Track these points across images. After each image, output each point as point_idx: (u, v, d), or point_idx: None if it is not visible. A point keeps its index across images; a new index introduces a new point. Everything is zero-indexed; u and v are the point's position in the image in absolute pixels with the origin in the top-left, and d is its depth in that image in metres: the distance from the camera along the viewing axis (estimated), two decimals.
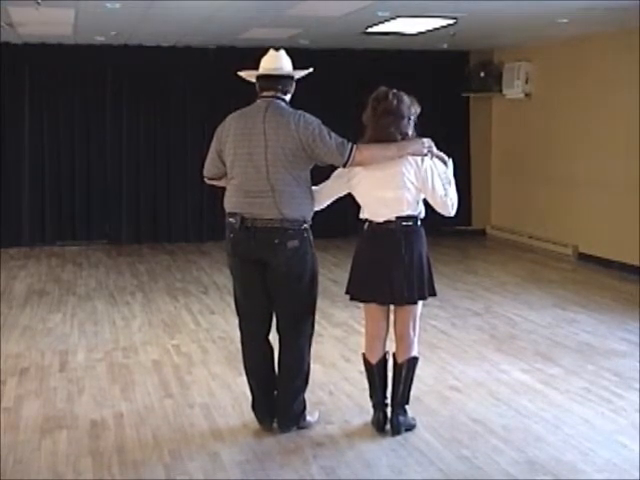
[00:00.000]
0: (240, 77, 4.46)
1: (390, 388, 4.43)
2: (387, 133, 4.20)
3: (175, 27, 8.76)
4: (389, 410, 4.41)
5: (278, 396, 4.40)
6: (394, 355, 4.43)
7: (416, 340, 4.43)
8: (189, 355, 5.89)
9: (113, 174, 10.75)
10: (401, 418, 4.36)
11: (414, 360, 4.42)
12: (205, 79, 10.77)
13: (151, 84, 10.69)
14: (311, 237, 4.31)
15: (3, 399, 4.94)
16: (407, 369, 4.37)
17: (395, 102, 4.22)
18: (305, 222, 4.26)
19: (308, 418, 4.48)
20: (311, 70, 4.40)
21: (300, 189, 4.23)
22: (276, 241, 4.18)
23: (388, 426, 4.38)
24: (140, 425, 4.54)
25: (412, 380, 4.42)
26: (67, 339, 6.31)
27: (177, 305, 7.43)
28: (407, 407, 4.42)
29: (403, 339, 4.38)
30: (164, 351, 5.99)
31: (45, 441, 4.32)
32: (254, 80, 4.37)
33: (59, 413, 4.73)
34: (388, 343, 4.47)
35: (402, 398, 4.38)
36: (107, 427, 4.51)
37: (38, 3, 6.81)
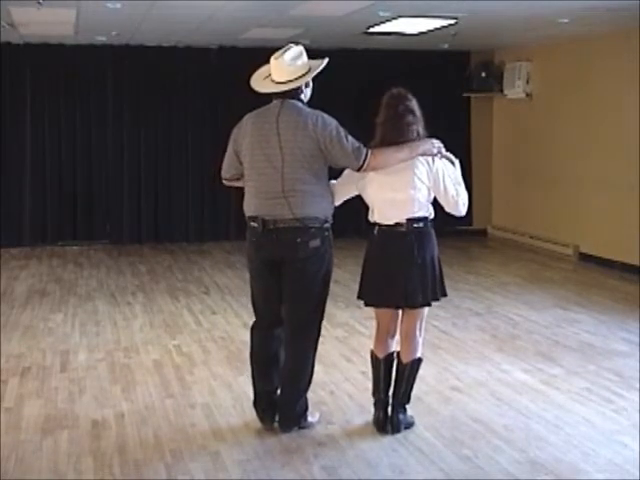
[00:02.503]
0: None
1: (392, 387, 4.43)
2: (408, 131, 4.20)
3: (176, 27, 8.77)
4: (390, 409, 4.41)
5: (281, 396, 4.40)
6: (399, 355, 4.44)
7: (421, 341, 4.43)
8: (190, 355, 5.89)
9: (114, 174, 10.75)
10: (401, 416, 4.38)
11: (418, 362, 4.43)
12: (206, 79, 10.77)
13: (152, 84, 10.69)
14: (331, 236, 4.30)
15: (4, 399, 4.94)
16: (410, 370, 4.39)
17: (414, 101, 4.26)
18: (327, 221, 4.24)
19: (309, 419, 4.47)
20: (326, 60, 4.31)
21: (321, 187, 4.21)
22: (298, 240, 4.16)
23: (389, 425, 4.38)
24: (141, 425, 4.54)
25: (414, 381, 4.43)
26: (68, 339, 6.31)
27: (178, 305, 7.43)
28: (407, 406, 4.44)
29: (409, 340, 4.39)
30: (165, 351, 5.99)
31: (46, 441, 4.32)
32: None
33: (60, 413, 4.73)
34: (394, 344, 4.48)
35: (403, 397, 4.39)
36: (108, 427, 4.51)
37: (39, 3, 6.81)
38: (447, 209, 4.31)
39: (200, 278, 8.65)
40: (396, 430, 4.35)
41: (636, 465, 4.01)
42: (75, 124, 10.60)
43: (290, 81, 4.20)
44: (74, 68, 10.40)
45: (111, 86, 10.65)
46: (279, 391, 4.42)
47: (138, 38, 9.74)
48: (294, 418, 4.39)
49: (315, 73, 4.29)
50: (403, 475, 3.93)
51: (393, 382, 4.43)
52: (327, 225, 4.26)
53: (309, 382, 4.43)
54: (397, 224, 4.24)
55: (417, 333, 4.38)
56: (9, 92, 10.25)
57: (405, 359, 4.39)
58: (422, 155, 4.19)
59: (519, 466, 4.00)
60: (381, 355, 4.43)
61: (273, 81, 4.24)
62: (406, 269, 4.22)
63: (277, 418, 4.42)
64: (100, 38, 9.69)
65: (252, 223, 4.27)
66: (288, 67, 4.20)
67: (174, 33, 9.32)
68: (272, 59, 4.23)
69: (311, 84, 4.37)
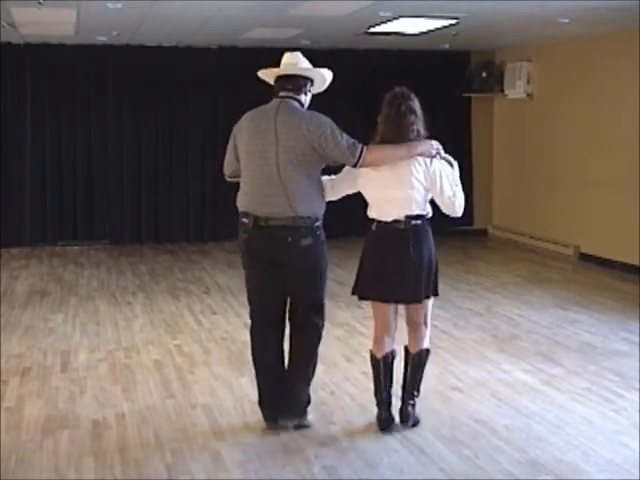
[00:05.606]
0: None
1: (401, 379, 4.47)
2: (409, 131, 4.22)
3: (177, 27, 8.77)
4: (392, 409, 4.44)
5: (286, 386, 4.42)
6: (406, 347, 4.49)
7: (428, 333, 4.48)
8: (191, 355, 5.89)
9: (115, 174, 10.75)
10: (410, 409, 4.43)
11: (426, 352, 4.49)
12: (207, 79, 10.77)
13: (153, 84, 10.68)
14: (323, 235, 4.34)
15: (5, 399, 4.94)
16: (419, 360, 4.44)
17: (416, 101, 4.29)
18: (317, 220, 4.29)
19: (309, 417, 4.50)
20: (329, 72, 4.44)
21: (312, 188, 4.26)
22: (289, 239, 4.21)
23: (390, 424, 4.39)
24: (142, 425, 4.54)
25: (423, 371, 4.48)
26: (69, 339, 6.31)
27: (179, 305, 7.43)
28: (416, 401, 4.47)
29: (416, 331, 4.44)
30: (166, 351, 5.99)
31: (47, 441, 4.32)
32: (272, 82, 4.41)
33: (61, 413, 4.73)
34: (398, 336, 4.48)
35: (413, 388, 4.43)
36: (109, 427, 4.52)
37: (40, 3, 6.81)
38: (443, 209, 4.33)
39: (201, 278, 8.65)
40: (405, 422, 4.40)
41: (636, 465, 4.01)
42: (75, 124, 10.59)
43: (301, 68, 4.34)
44: (74, 68, 10.39)
45: (111, 86, 10.64)
46: (285, 382, 4.43)
47: (138, 38, 9.74)
48: (297, 407, 4.42)
49: (323, 71, 4.41)
50: (403, 475, 3.93)
51: (402, 375, 4.47)
52: (318, 224, 4.30)
53: (313, 373, 4.48)
54: (395, 221, 4.27)
55: (423, 324, 4.43)
56: (9, 92, 10.25)
57: (413, 349, 4.46)
58: (420, 155, 4.21)
59: (519, 466, 4.01)
60: (379, 355, 4.45)
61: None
62: (401, 265, 4.25)
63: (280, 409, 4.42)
64: (100, 38, 9.69)
65: (243, 219, 4.32)
66: (301, 60, 4.37)
67: (174, 33, 9.32)
68: (286, 53, 4.40)
69: (310, 95, 4.46)
